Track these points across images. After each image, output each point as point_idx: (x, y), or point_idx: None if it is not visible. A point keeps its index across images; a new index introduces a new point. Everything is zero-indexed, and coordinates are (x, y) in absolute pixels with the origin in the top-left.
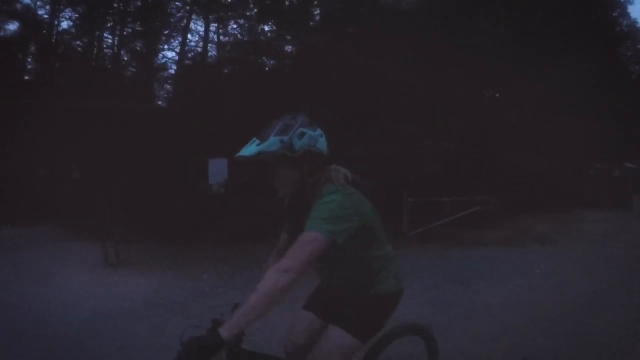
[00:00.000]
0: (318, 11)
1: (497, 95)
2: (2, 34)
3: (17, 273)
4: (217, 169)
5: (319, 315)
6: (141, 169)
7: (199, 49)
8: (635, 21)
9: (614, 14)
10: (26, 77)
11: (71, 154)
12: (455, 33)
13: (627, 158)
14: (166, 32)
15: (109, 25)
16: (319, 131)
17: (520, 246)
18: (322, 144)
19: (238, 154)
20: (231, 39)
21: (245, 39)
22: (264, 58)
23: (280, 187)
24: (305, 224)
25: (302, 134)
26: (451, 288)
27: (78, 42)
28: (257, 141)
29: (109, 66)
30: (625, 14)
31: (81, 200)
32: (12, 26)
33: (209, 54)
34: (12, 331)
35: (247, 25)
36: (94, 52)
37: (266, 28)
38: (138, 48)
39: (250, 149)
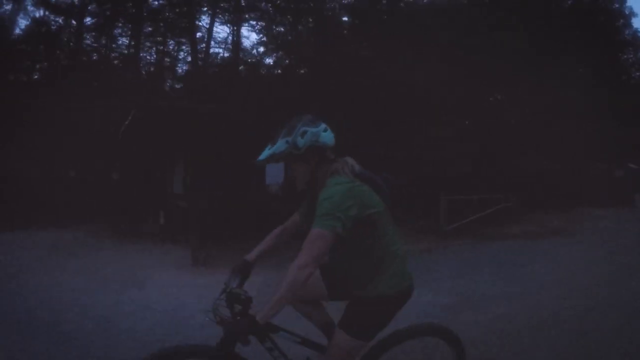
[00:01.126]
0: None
1: (511, 102)
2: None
3: (98, 279)
4: (274, 170)
5: (327, 287)
6: (212, 171)
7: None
8: (637, 30)
9: (617, 24)
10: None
11: (112, 155)
12: (478, 45)
13: (628, 159)
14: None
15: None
16: (322, 126)
17: (543, 238)
18: (326, 137)
19: (257, 160)
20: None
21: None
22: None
23: (296, 180)
24: (314, 214)
25: (304, 133)
26: (507, 270)
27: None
28: (270, 146)
29: (151, 69)
30: (629, 24)
31: (122, 201)
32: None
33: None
34: (148, 339)
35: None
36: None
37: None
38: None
39: (264, 154)
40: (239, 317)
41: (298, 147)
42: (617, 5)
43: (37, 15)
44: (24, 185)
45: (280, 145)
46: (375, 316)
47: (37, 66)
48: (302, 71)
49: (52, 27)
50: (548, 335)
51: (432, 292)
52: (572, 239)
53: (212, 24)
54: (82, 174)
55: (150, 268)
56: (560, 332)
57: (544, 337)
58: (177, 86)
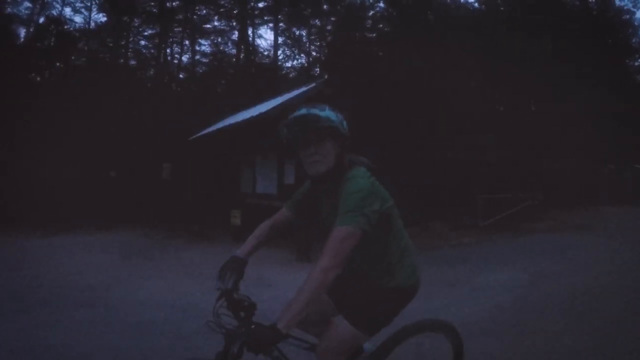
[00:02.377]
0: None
1: (534, 109)
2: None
3: (203, 280)
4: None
5: (333, 298)
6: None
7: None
8: None
9: (627, 33)
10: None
11: (161, 157)
12: (508, 55)
13: (635, 160)
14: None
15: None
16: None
17: (569, 232)
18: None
19: (301, 112)
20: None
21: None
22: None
23: (317, 162)
24: (337, 214)
25: (343, 119)
26: (550, 256)
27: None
28: (316, 109)
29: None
30: (637, 34)
31: (175, 201)
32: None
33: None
34: None
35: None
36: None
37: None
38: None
39: (314, 110)
40: (254, 326)
41: (344, 126)
42: (627, 16)
43: (54, 13)
44: (60, 187)
45: (330, 113)
46: (386, 308)
47: (58, 64)
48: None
49: (67, 27)
50: (603, 298)
51: (506, 272)
52: (595, 232)
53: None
54: (122, 175)
55: (258, 266)
56: (609, 297)
57: (601, 300)
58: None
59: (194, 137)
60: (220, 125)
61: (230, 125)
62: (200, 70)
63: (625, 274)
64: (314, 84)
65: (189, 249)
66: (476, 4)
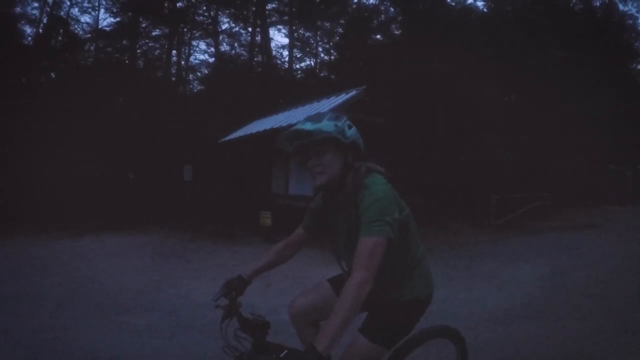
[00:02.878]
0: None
1: (544, 113)
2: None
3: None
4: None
5: (336, 291)
6: None
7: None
8: None
9: (630, 38)
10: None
11: (182, 159)
12: (519, 61)
13: (636, 161)
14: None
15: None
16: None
17: (579, 229)
18: (360, 142)
19: (293, 128)
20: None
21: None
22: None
23: (320, 174)
24: (361, 226)
25: (351, 126)
26: (564, 252)
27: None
28: (309, 122)
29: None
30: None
31: (198, 202)
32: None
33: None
34: None
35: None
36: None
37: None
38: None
39: (306, 125)
40: (286, 351)
41: (346, 135)
42: (630, 21)
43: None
44: (80, 188)
45: (328, 125)
46: (406, 320)
47: (64, 65)
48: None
49: (74, 27)
50: (618, 286)
51: (529, 266)
52: (602, 230)
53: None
54: (141, 177)
55: (301, 266)
56: (624, 284)
57: (616, 286)
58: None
59: (224, 139)
60: (252, 128)
61: (269, 130)
62: (212, 72)
63: (634, 265)
64: (354, 92)
65: (219, 250)
66: (484, 9)
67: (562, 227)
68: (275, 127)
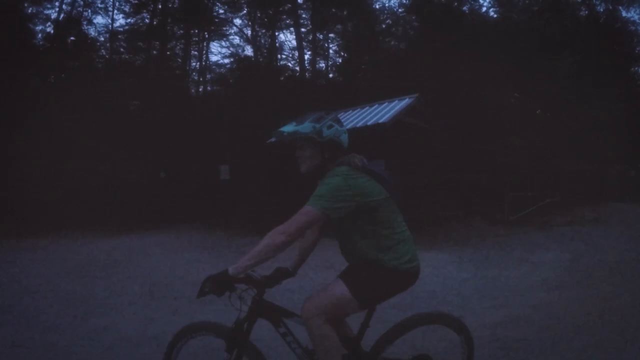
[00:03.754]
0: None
1: (549, 115)
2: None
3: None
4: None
5: (357, 299)
6: None
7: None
8: None
9: (632, 42)
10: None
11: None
12: (534, 73)
13: (637, 160)
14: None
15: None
16: (344, 128)
17: (588, 225)
18: (345, 138)
19: (279, 129)
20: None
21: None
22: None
23: (302, 163)
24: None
25: (331, 126)
26: (579, 243)
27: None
28: (294, 123)
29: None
30: None
31: (237, 200)
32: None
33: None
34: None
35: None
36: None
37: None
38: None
39: (288, 127)
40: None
41: (322, 135)
42: (632, 28)
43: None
44: (113, 189)
45: (306, 126)
46: (382, 284)
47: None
48: None
49: (83, 28)
50: (631, 267)
51: (550, 253)
52: (609, 224)
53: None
54: (173, 176)
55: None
56: (637, 266)
57: (631, 267)
58: None
59: (272, 140)
60: None
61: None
62: (239, 73)
63: None
64: (407, 99)
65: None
66: (495, 14)
67: (572, 221)
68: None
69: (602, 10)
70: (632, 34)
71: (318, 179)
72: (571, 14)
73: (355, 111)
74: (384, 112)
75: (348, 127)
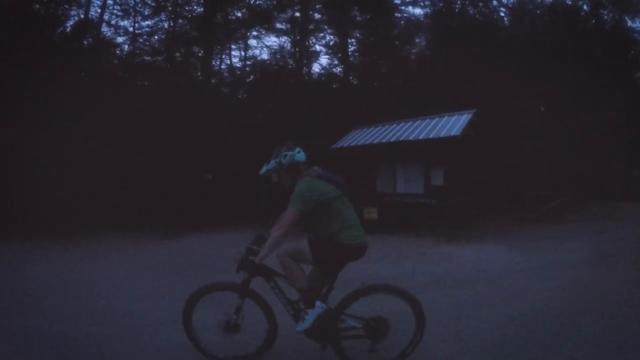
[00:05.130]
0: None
1: (565, 120)
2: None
3: (403, 261)
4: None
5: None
6: None
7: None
8: None
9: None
10: None
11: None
12: (547, 79)
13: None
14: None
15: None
16: (297, 149)
17: (599, 220)
18: (299, 156)
19: (260, 173)
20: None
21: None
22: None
23: (282, 184)
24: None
25: (285, 155)
26: (596, 235)
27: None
28: (266, 165)
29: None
30: None
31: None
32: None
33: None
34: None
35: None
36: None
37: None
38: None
39: (263, 170)
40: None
41: (282, 164)
42: (638, 37)
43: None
44: (161, 189)
45: (272, 163)
46: (332, 253)
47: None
48: None
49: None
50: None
51: (575, 243)
52: (618, 220)
53: None
54: (220, 178)
55: (421, 248)
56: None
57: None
58: None
59: (336, 146)
60: (361, 138)
61: (394, 142)
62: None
63: None
64: (466, 114)
65: None
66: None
67: (585, 218)
68: (401, 139)
69: (608, 19)
70: (638, 43)
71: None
72: (582, 24)
73: (417, 122)
74: (450, 125)
75: (410, 137)
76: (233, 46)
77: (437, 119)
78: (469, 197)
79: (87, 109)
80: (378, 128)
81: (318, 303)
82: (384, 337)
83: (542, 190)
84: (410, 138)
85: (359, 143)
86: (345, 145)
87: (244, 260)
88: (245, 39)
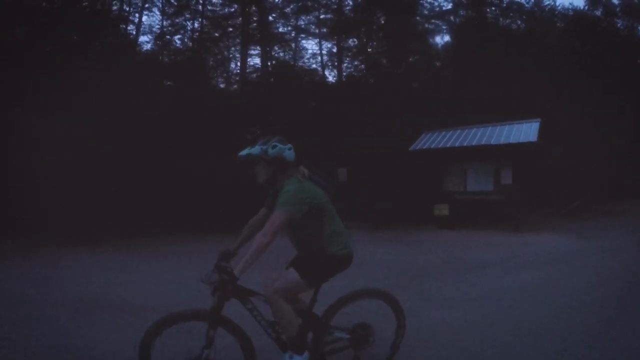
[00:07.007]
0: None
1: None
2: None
3: (478, 249)
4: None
5: (303, 277)
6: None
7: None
8: None
9: None
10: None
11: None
12: (571, 86)
13: None
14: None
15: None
16: (288, 146)
17: (619, 215)
18: (289, 154)
19: (238, 154)
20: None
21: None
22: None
23: (257, 176)
24: (276, 205)
25: (275, 146)
26: (621, 227)
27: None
28: (250, 147)
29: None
30: None
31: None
32: None
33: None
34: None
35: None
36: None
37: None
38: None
39: (244, 151)
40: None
41: (268, 154)
42: None
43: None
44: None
45: (257, 149)
46: (322, 267)
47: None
48: None
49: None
50: None
51: (615, 232)
52: (630, 216)
53: None
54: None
55: (494, 237)
56: None
57: None
58: None
59: (414, 148)
60: (435, 141)
61: (475, 145)
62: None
63: None
64: (534, 122)
65: (406, 234)
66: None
67: (606, 214)
68: (482, 143)
69: (622, 27)
70: None
71: (271, 188)
72: (600, 33)
73: (487, 128)
74: (523, 131)
75: (482, 142)
76: None
77: (507, 126)
78: (526, 194)
79: (127, 104)
80: (450, 132)
81: (306, 354)
82: (370, 345)
83: (565, 189)
84: (491, 142)
85: (432, 146)
86: (424, 147)
87: (219, 280)
88: None
